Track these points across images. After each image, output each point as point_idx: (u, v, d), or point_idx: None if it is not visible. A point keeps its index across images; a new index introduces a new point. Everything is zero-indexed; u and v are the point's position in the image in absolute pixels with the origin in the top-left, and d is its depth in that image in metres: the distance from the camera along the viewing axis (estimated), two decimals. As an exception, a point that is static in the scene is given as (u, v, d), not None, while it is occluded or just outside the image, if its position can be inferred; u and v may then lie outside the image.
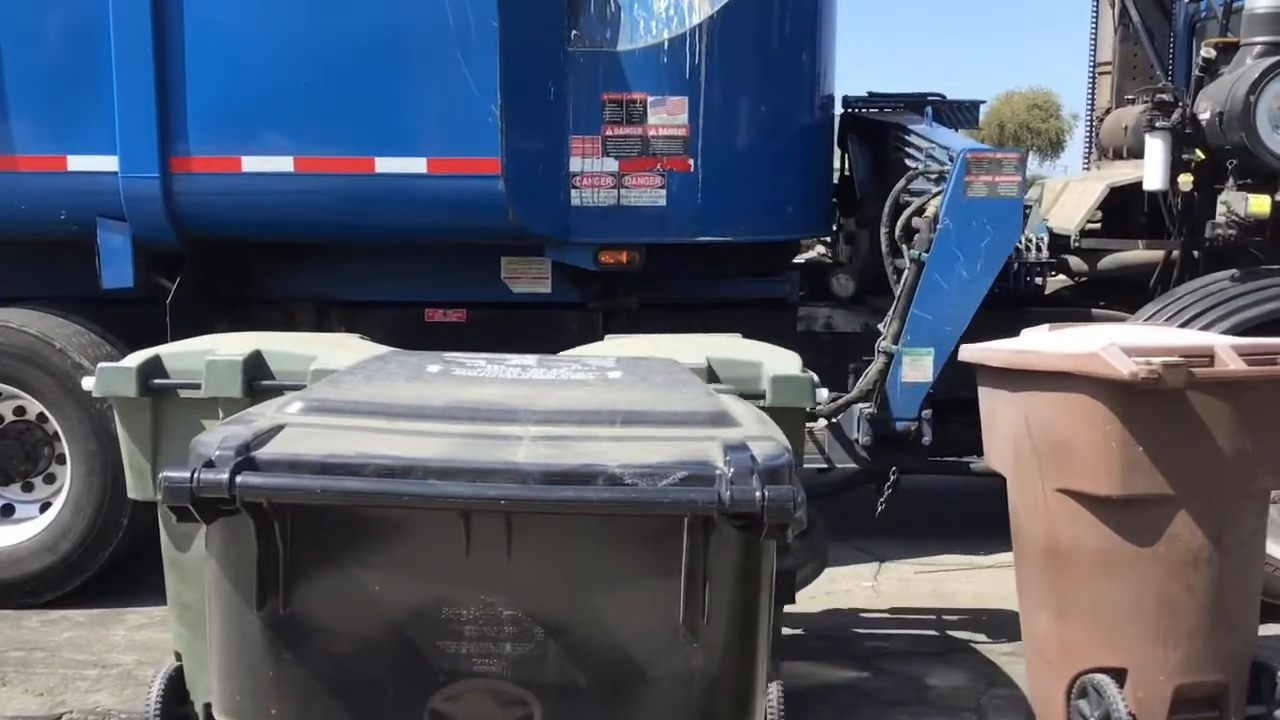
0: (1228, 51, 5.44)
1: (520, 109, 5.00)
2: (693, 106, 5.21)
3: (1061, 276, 6.20)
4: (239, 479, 2.06)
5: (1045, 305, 5.82)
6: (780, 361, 3.45)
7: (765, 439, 2.26)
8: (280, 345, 3.43)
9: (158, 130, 4.97)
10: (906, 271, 5.15)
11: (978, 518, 4.97)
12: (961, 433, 5.04)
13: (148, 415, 3.34)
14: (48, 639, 4.74)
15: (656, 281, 5.59)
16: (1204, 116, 5.29)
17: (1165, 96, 5.37)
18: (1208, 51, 5.48)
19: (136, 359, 3.35)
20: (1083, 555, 3.46)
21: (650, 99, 5.19)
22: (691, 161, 5.24)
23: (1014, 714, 4.08)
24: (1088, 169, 7.33)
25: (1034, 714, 3.81)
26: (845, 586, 5.41)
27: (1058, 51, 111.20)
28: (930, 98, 6.29)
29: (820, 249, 7.26)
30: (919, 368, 5.12)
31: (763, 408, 3.50)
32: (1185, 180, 5.37)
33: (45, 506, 5.14)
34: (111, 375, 3.32)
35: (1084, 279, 6.11)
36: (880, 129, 6.08)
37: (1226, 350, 3.37)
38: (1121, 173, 6.04)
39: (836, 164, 6.33)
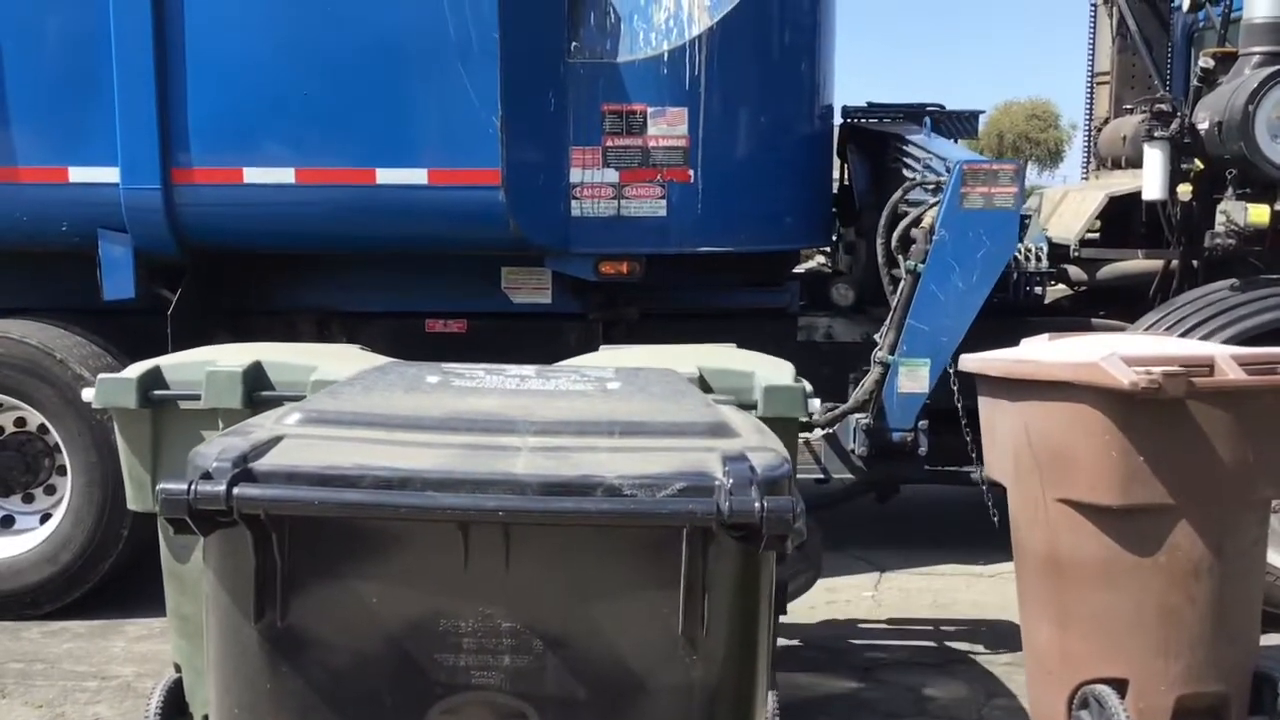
0: (1226, 61, 5.45)
1: (521, 120, 5.01)
2: (692, 117, 5.22)
3: (1061, 286, 6.20)
4: (236, 491, 2.06)
5: (1044, 315, 5.82)
6: (773, 371, 3.45)
7: (764, 450, 2.26)
8: (280, 356, 3.43)
9: (159, 142, 4.98)
10: (903, 282, 5.15)
11: (978, 527, 4.96)
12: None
13: (148, 426, 3.34)
14: (47, 651, 4.73)
15: (657, 292, 5.60)
16: (1203, 126, 5.29)
17: (1164, 106, 5.38)
18: (1206, 61, 5.49)
19: (137, 370, 3.35)
20: (1083, 565, 3.45)
21: (650, 110, 5.20)
22: (691, 172, 5.25)
23: (1015, 725, 4.08)
24: (1086, 179, 7.35)
25: (1035, 725, 3.81)
26: (846, 596, 5.40)
27: (1056, 62, 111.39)
28: (929, 108, 6.30)
29: (820, 259, 7.27)
30: (915, 378, 5.13)
31: (756, 417, 3.51)
32: (1184, 190, 5.38)
33: (46, 518, 5.14)
34: (111, 386, 3.32)
35: (1083, 288, 6.11)
36: (879, 139, 6.09)
37: (1226, 360, 3.37)
38: (1120, 182, 6.04)
39: (836, 174, 6.34)
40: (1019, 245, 5.54)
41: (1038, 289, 5.84)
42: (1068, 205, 6.31)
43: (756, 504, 2.04)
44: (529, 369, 2.82)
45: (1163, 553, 3.38)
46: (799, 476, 4.63)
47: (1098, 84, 7.10)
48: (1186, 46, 6.58)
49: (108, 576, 5.05)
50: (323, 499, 2.08)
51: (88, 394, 3.40)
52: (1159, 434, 3.30)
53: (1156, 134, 5.31)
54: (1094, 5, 7.04)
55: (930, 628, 5.07)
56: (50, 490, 5.19)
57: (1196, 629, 3.41)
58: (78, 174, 5.07)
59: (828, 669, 4.57)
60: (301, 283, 5.61)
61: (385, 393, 2.55)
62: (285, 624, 2.17)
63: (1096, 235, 6.18)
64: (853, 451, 5.30)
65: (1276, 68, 5.07)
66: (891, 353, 5.14)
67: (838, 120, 6.16)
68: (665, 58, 5.19)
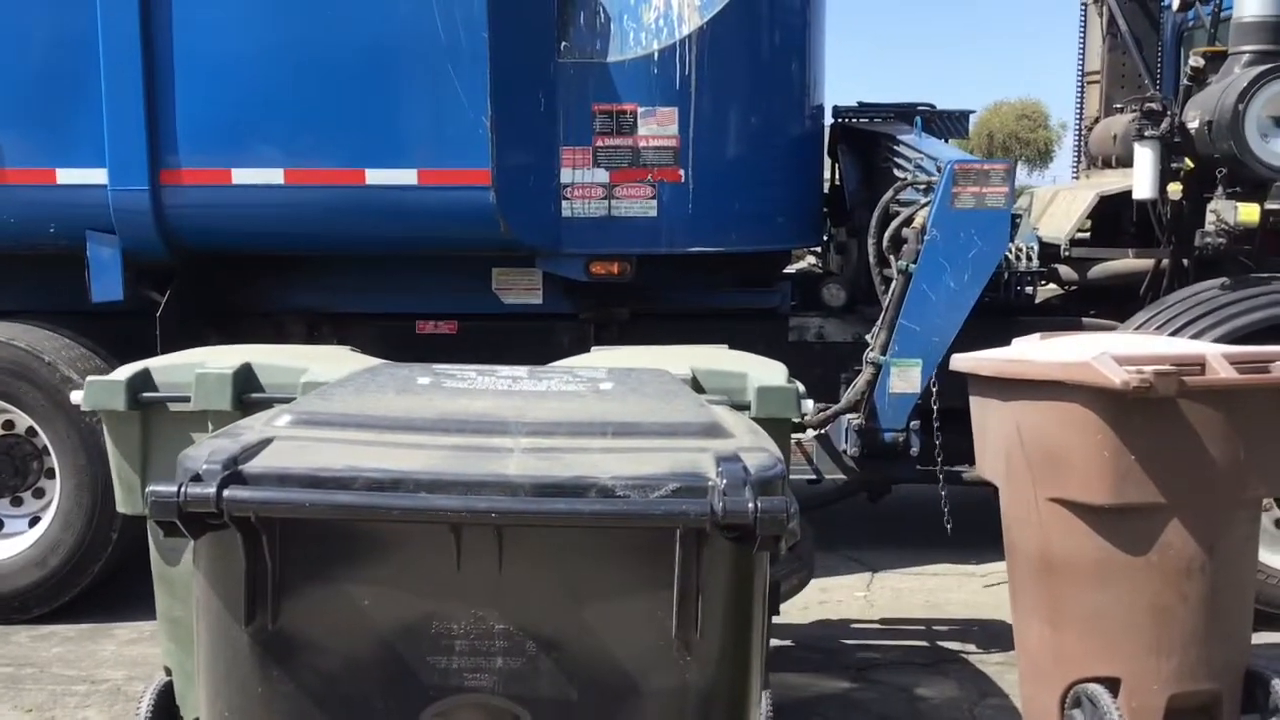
0: (1216, 60, 5.46)
1: (511, 120, 5.00)
2: (683, 117, 5.22)
3: (1052, 285, 6.21)
4: (226, 493, 2.04)
5: (1036, 314, 5.83)
6: (766, 372, 3.44)
7: (758, 450, 2.25)
8: (270, 358, 3.42)
9: (147, 143, 4.96)
10: (894, 282, 5.15)
11: (970, 527, 4.97)
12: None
13: (137, 429, 3.32)
14: (37, 654, 4.71)
15: (648, 292, 5.59)
16: (1193, 125, 5.30)
17: (1154, 105, 5.39)
18: (1196, 60, 5.49)
19: (126, 372, 3.34)
20: (1075, 564, 3.45)
21: (641, 110, 5.20)
22: (682, 172, 5.25)
23: (1007, 724, 4.08)
24: (1077, 178, 7.35)
25: (1028, 724, 3.81)
26: (838, 597, 5.40)
27: (1046, 62, 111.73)
28: (920, 108, 6.31)
29: (811, 259, 7.27)
30: (907, 378, 5.12)
31: (749, 418, 3.50)
32: (1174, 189, 5.38)
33: (34, 521, 5.12)
34: (100, 389, 3.30)
35: (1074, 288, 6.12)
36: (870, 139, 6.09)
37: (1218, 358, 3.37)
38: (1111, 182, 6.05)
39: (827, 174, 6.34)
40: (1010, 245, 5.55)
41: (1029, 288, 5.85)
42: (1058, 205, 6.32)
43: (750, 504, 2.03)
44: (521, 370, 2.81)
45: (1155, 552, 3.38)
46: (791, 477, 4.65)
47: (1088, 83, 7.11)
48: (1176, 45, 6.59)
49: (97, 580, 5.03)
50: (314, 501, 2.06)
51: (76, 396, 3.38)
52: (1151, 433, 3.30)
53: (1147, 133, 5.32)
54: (1084, 5, 7.05)
55: (922, 628, 5.07)
56: (39, 493, 5.16)
57: (1189, 628, 3.41)
58: (65, 175, 5.05)
59: (820, 669, 4.57)
60: (291, 284, 5.59)
61: (376, 394, 2.54)
62: (276, 627, 2.15)
63: (1087, 234, 6.19)
64: (845, 452, 5.31)
65: (1266, 66, 5.08)
66: (883, 353, 5.14)
67: (828, 120, 6.16)
68: (655, 57, 5.19)
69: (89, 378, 3.40)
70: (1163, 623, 3.40)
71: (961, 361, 3.87)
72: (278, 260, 5.47)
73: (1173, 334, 4.90)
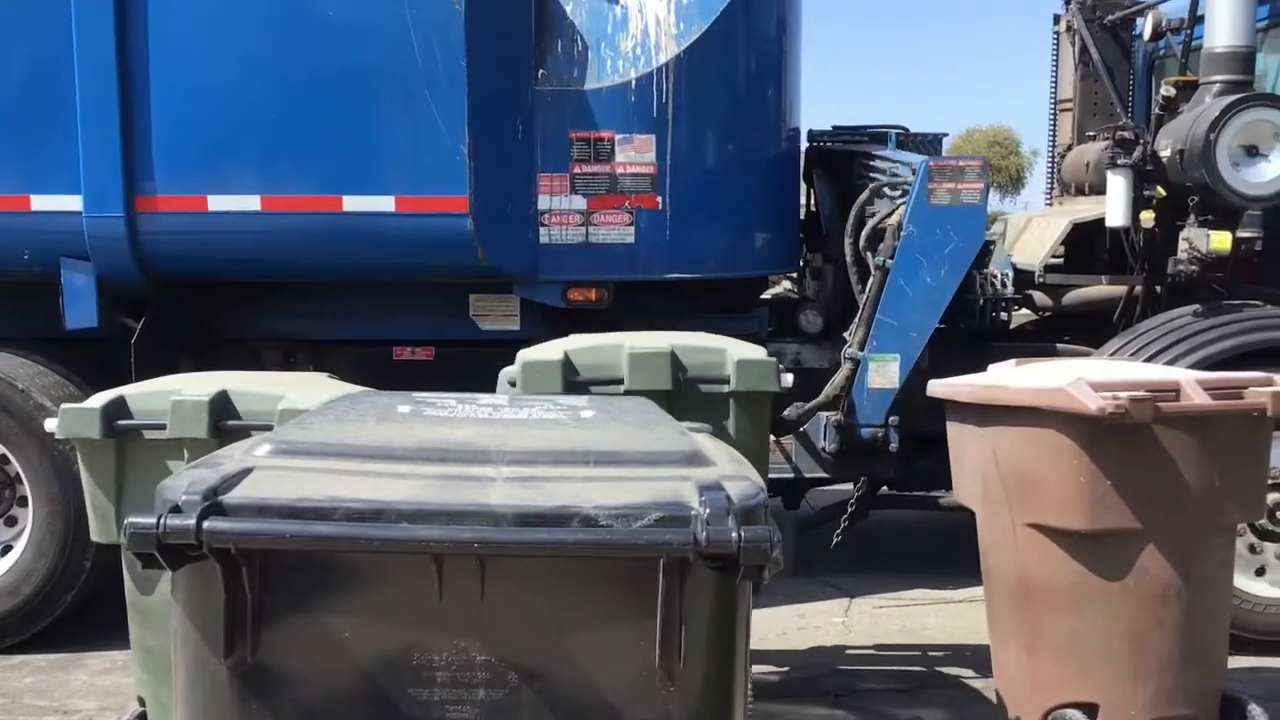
0: (1187, 90, 5.52)
1: (488, 147, 5.01)
2: (660, 144, 5.24)
3: (1026, 311, 6.25)
4: (206, 524, 2.02)
5: (1010, 340, 5.86)
6: (744, 349, 3.48)
7: (740, 478, 2.25)
8: (247, 385, 3.39)
9: (122, 170, 4.95)
10: (871, 278, 5.18)
11: (946, 551, 4.98)
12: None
13: (111, 457, 3.30)
14: (8, 685, 4.65)
15: (625, 318, 5.58)
16: (1165, 154, 5.36)
17: (1126, 134, 5.44)
18: (1167, 89, 5.56)
19: (100, 400, 3.31)
20: (1052, 590, 3.47)
21: (618, 137, 5.22)
22: (659, 199, 5.26)
23: (986, 750, 4.08)
24: (1049, 205, 7.41)
25: (1006, 750, 3.81)
26: (816, 623, 5.40)
27: (1016, 90, 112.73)
28: (894, 130, 6.35)
29: (786, 284, 7.29)
30: (885, 374, 5.16)
31: (728, 392, 3.52)
32: (1147, 217, 5.43)
33: (6, 550, 5.07)
34: (75, 416, 3.28)
35: (1048, 314, 6.16)
36: (846, 158, 6.14)
37: (1192, 385, 3.40)
38: (1084, 209, 6.10)
39: (802, 200, 6.37)
40: (984, 271, 5.59)
41: (1003, 314, 5.88)
42: (1032, 231, 6.37)
43: (734, 534, 2.03)
44: (501, 397, 2.81)
45: (1131, 577, 3.40)
46: (771, 476, 4.64)
47: (1061, 111, 7.18)
48: (1148, 74, 6.68)
49: (70, 609, 4.98)
50: (294, 532, 2.05)
51: (50, 424, 3.36)
52: (1126, 459, 3.32)
53: (1119, 161, 5.37)
54: (1056, 33, 7.13)
55: (901, 653, 5.07)
56: (11, 522, 5.11)
57: (1165, 653, 3.43)
58: (40, 202, 5.02)
59: (800, 695, 4.56)
60: (267, 311, 5.57)
61: (356, 423, 2.53)
62: (256, 659, 2.13)
63: (1061, 261, 6.23)
64: (823, 449, 5.32)
65: (1237, 96, 5.14)
66: (861, 348, 5.17)
67: (804, 145, 6.20)
68: (633, 85, 5.21)
69: (63, 405, 3.38)
70: (1139, 648, 3.42)
71: (938, 387, 3.89)
72: (254, 287, 5.45)
73: (1147, 360, 4.94)
